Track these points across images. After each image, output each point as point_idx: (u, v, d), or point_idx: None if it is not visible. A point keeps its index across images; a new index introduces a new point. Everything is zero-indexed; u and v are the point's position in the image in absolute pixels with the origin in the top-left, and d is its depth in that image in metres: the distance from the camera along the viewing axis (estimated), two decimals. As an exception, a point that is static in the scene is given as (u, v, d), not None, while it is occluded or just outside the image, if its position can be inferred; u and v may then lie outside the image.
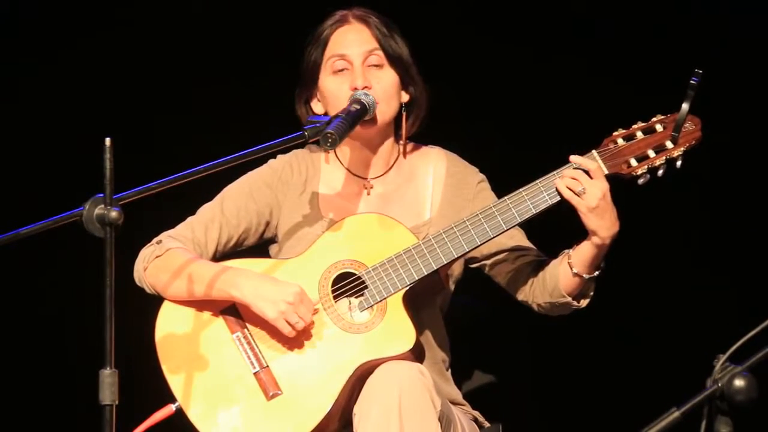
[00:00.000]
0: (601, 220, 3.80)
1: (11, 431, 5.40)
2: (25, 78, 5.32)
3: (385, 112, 4.00)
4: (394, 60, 4.02)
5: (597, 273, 3.89)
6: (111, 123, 4.98)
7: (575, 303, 3.94)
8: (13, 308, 5.34)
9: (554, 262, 3.95)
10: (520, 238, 4.05)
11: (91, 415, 3.29)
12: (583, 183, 3.80)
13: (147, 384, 3.81)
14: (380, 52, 4.02)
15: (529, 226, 4.02)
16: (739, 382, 2.88)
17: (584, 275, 3.87)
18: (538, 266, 3.99)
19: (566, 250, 3.91)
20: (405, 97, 4.07)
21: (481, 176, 4.13)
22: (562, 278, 3.91)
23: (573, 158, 3.83)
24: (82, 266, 4.26)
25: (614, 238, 3.83)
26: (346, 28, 4.05)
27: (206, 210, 4.07)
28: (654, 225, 5.18)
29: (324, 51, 4.04)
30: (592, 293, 3.95)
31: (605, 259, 3.88)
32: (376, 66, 4.01)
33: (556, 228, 3.85)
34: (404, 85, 4.05)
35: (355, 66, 4.00)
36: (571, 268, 3.87)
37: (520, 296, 4.03)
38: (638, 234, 5.15)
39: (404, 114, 4.07)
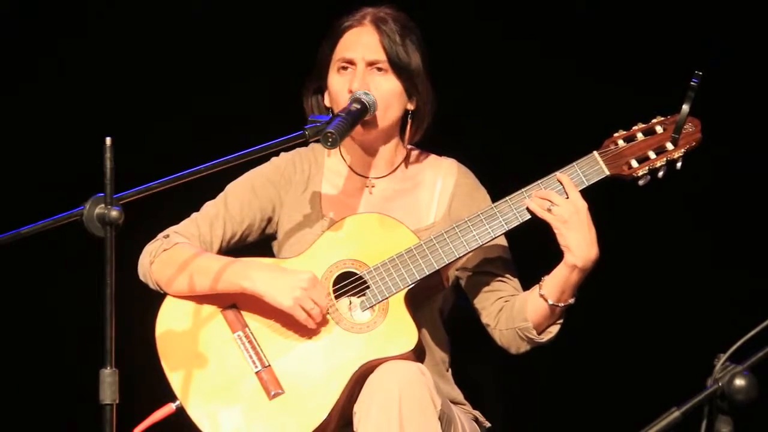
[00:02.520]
0: (577, 235, 3.77)
1: (11, 431, 5.40)
2: (26, 77, 5.32)
3: (383, 117, 3.97)
4: (398, 69, 3.98)
5: (562, 305, 3.84)
6: (111, 123, 4.98)
7: (533, 332, 3.87)
8: (13, 308, 5.34)
9: (528, 291, 3.93)
10: (509, 268, 4.02)
11: (91, 415, 3.29)
12: (555, 201, 3.80)
13: (147, 383, 3.81)
14: (386, 64, 3.99)
15: (531, 252, 4.01)
16: (739, 382, 2.88)
17: (549, 299, 3.83)
18: (512, 296, 3.96)
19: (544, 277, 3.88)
20: (411, 105, 4.05)
21: (488, 197, 4.10)
22: (529, 301, 3.87)
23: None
24: (82, 266, 4.26)
25: (590, 263, 3.78)
26: (358, 30, 4.01)
27: (210, 207, 4.07)
28: (654, 224, 5.19)
29: (334, 48, 4.03)
30: (554, 329, 3.89)
31: (575, 294, 3.83)
32: (379, 71, 3.99)
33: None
34: (408, 94, 4.04)
35: (358, 69, 3.98)
36: (540, 288, 3.84)
37: (486, 319, 3.99)
38: (639, 233, 5.17)
39: (409, 121, 4.05)
